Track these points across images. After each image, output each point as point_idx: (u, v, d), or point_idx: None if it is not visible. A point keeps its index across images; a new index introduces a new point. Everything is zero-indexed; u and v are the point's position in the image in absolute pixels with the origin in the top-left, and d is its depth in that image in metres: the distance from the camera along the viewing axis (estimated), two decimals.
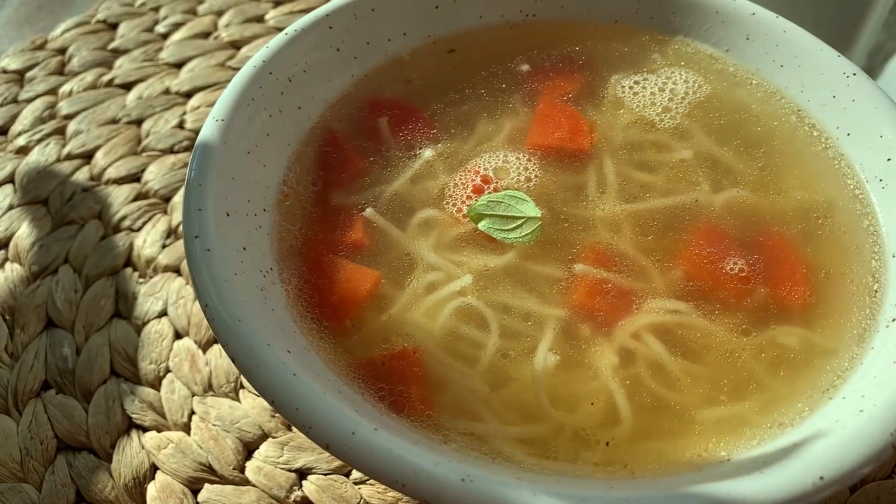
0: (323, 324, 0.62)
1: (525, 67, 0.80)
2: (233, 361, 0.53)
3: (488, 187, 0.71)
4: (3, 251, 0.86)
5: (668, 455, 0.56)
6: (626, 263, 0.66)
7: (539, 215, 0.67)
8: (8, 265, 0.85)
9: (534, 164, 0.72)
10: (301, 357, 0.56)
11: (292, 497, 0.69)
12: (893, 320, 0.59)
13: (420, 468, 0.48)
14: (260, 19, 1.12)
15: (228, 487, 0.70)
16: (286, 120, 0.72)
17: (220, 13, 1.13)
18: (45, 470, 0.71)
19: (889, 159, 0.66)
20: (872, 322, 0.61)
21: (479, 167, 0.72)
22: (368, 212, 0.69)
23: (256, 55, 0.71)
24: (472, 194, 0.70)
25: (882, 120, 0.68)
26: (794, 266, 0.65)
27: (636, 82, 0.78)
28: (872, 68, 2.09)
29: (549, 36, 0.82)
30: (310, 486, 0.69)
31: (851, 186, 0.69)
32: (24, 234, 0.87)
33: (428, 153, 0.73)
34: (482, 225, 0.67)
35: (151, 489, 0.70)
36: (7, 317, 0.81)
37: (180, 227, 0.78)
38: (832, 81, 0.72)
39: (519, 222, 0.67)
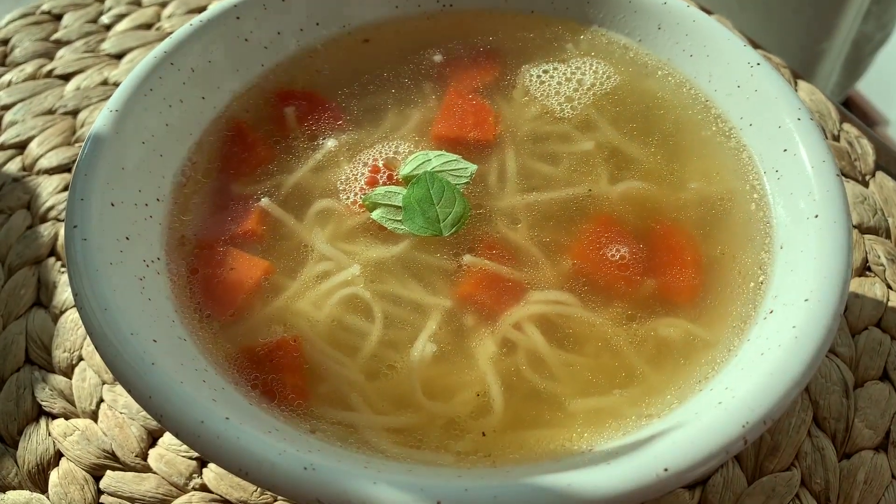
0: (205, 313, 0.62)
1: (438, 58, 0.80)
2: (96, 349, 0.53)
3: (389, 178, 0.71)
4: None
5: (532, 445, 0.56)
6: (518, 254, 0.66)
7: None
8: None
9: None
10: (171, 347, 0.56)
11: (191, 484, 0.70)
12: (771, 312, 0.59)
13: (264, 458, 0.48)
14: (203, 10, 1.12)
15: (129, 474, 0.71)
16: (188, 110, 0.72)
17: (163, 4, 1.13)
18: None
19: (785, 150, 0.66)
20: (753, 314, 0.61)
21: (382, 158, 0.72)
22: (264, 201, 0.69)
23: (159, 46, 0.71)
24: (371, 185, 0.70)
25: (781, 110, 0.67)
26: (683, 258, 0.65)
27: (545, 71, 0.78)
28: (861, 59, 2.07)
29: (465, 26, 0.82)
30: (209, 474, 0.70)
31: (750, 177, 0.68)
32: None
33: (331, 143, 0.73)
34: (375, 214, 0.67)
35: (54, 475, 0.71)
36: None
37: None
38: (737, 71, 0.71)
39: None
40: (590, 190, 0.69)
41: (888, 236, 0.84)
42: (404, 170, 0.70)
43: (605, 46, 0.80)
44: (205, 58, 0.74)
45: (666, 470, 0.48)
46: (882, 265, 0.81)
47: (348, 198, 0.69)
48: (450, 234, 0.66)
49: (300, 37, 0.80)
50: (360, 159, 0.72)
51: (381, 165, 0.71)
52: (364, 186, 0.70)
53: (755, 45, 1.03)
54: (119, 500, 0.69)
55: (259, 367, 0.60)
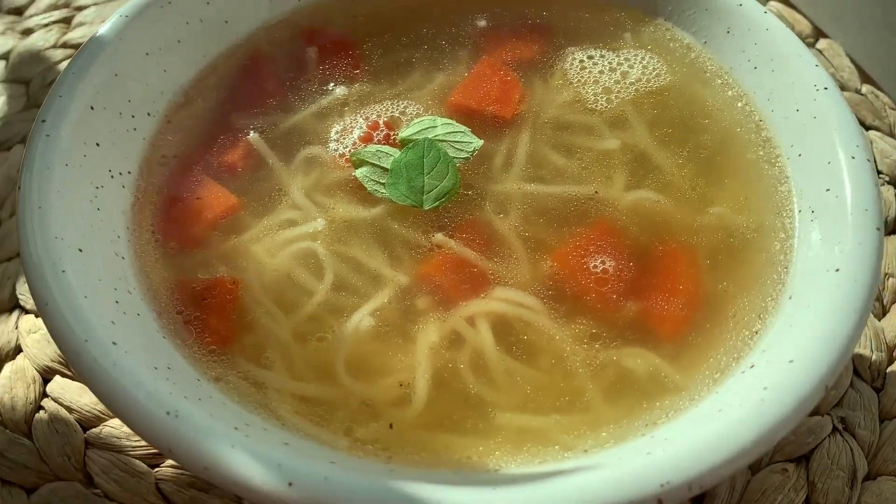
0: (156, 236, 0.60)
1: (482, 23, 0.74)
2: (19, 246, 0.51)
3: (386, 137, 0.66)
4: None
5: (438, 450, 0.50)
6: (493, 244, 0.60)
7: None
8: None
9: None
10: (98, 260, 0.54)
11: None
12: (752, 367, 0.50)
13: (129, 392, 0.45)
14: None
15: (76, 384, 0.69)
16: (207, 31, 0.70)
17: None
18: None
19: (828, 189, 0.56)
20: (734, 365, 0.52)
21: (386, 116, 0.67)
22: (253, 136, 0.66)
23: None
24: (366, 142, 0.65)
25: (836, 143, 0.57)
26: (675, 286, 0.57)
27: (590, 57, 0.71)
28: None
29: None
30: None
31: (783, 213, 0.59)
32: None
33: (340, 91, 0.69)
34: (359, 172, 0.63)
35: (7, 369, 0.71)
36: None
37: None
38: (800, 92, 0.62)
39: None
40: (596, 192, 0.62)
41: None
42: (405, 132, 0.65)
43: (665, 42, 0.72)
44: None
45: None
46: None
47: (337, 150, 0.65)
48: (430, 208, 0.61)
49: None
50: (362, 113, 0.67)
51: (381, 123, 0.66)
52: (357, 141, 0.65)
53: (866, 80, 0.91)
54: (58, 407, 0.68)
55: (189, 301, 0.56)
